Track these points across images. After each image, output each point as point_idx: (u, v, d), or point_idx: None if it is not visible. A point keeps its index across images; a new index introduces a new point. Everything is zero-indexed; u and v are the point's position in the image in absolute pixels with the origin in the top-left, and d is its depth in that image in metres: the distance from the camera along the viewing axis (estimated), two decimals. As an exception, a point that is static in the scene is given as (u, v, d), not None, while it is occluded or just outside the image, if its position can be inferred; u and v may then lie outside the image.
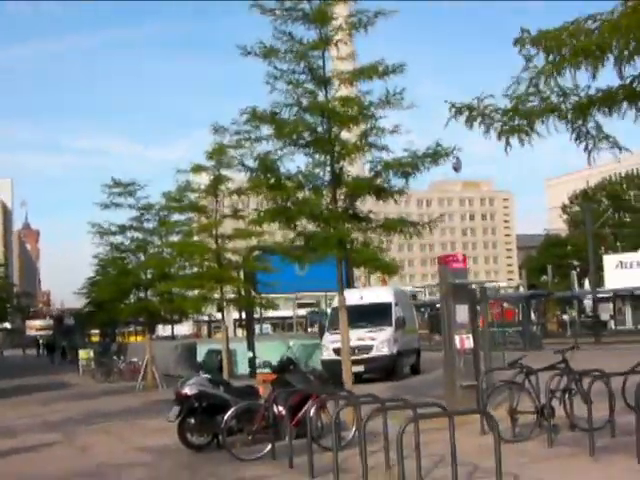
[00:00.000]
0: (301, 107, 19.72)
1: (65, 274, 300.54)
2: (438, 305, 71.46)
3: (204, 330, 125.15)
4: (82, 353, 55.86)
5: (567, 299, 79.47)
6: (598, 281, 79.10)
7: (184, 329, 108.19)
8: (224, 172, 29.01)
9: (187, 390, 16.70)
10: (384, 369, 33.26)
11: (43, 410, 29.36)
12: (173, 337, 76.36)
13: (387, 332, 34.49)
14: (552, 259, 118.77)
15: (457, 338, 20.43)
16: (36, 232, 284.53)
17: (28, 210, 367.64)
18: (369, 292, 38.97)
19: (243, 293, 31.83)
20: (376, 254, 20.07)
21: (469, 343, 20.47)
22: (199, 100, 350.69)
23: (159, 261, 35.67)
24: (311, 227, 20.43)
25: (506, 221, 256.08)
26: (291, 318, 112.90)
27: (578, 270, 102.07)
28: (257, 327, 64.93)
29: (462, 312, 20.60)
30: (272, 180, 19.70)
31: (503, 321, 67.34)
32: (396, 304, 36.08)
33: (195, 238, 30.97)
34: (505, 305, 75.06)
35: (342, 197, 20.02)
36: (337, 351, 32.58)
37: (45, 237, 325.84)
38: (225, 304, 31.10)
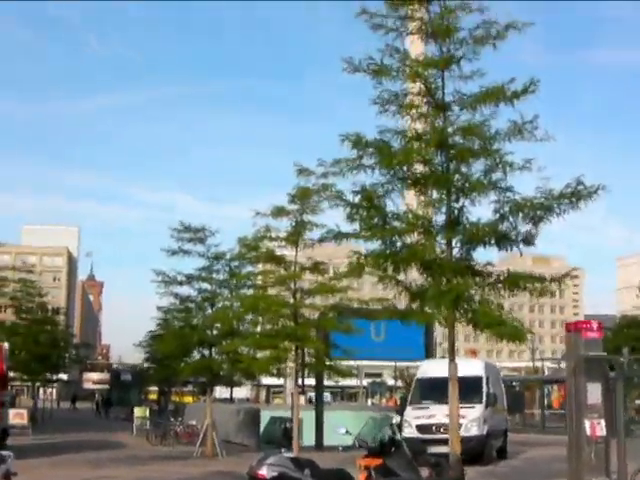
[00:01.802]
0: (414, 136, 16.46)
1: (126, 329, 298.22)
2: (514, 383, 67.96)
3: (262, 395, 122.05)
4: (137, 411, 52.74)
5: (652, 383, 74.59)
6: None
7: (242, 392, 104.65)
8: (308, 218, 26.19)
9: (265, 471, 13.16)
10: (472, 452, 29.18)
11: (91, 474, 26.00)
12: (231, 400, 72.93)
13: (477, 410, 30.61)
14: (628, 340, 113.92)
15: (587, 423, 16.79)
16: (100, 284, 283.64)
17: (93, 261, 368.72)
18: (457, 363, 35.21)
19: (317, 356, 28.52)
20: (502, 316, 16.55)
21: (601, 430, 16.81)
22: (274, 161, 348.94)
23: (228, 316, 32.48)
24: (417, 279, 17.00)
25: (575, 300, 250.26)
26: (352, 388, 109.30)
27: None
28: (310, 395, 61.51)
29: (595, 391, 16.99)
30: (376, 219, 16.33)
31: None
32: (487, 379, 32.23)
33: (270, 292, 27.79)
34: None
35: (458, 244, 16.63)
36: (421, 428, 29.20)
37: (109, 290, 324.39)
38: (299, 368, 27.79)
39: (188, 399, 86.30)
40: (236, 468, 27.97)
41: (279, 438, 40.92)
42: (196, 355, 36.61)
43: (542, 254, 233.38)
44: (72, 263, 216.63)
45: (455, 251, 16.65)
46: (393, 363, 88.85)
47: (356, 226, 16.90)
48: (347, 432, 15.07)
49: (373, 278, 30.87)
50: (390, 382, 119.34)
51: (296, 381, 28.43)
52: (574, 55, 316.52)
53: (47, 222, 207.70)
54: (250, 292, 31.09)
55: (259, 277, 29.89)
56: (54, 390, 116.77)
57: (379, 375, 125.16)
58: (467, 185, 16.27)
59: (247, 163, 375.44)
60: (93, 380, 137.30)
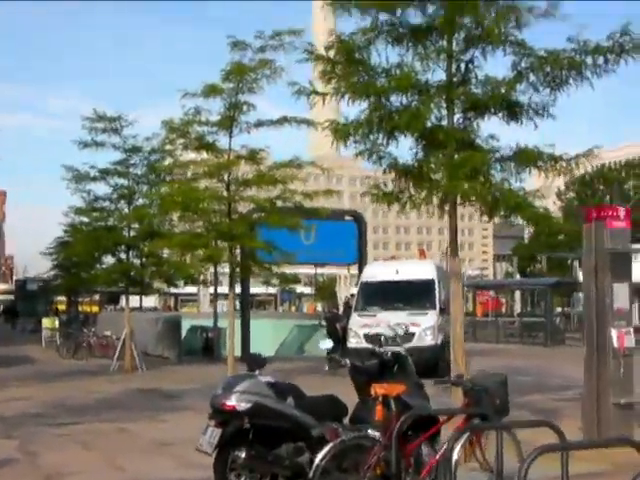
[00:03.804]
0: None
1: (31, 239, 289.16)
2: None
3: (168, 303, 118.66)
4: (46, 322, 49.42)
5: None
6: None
7: (149, 301, 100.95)
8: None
9: (235, 402, 9.57)
10: (426, 363, 26.26)
11: (-4, 395, 22.57)
12: (141, 309, 69.41)
13: (431, 317, 27.74)
14: (543, 248, 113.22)
15: (614, 333, 13.69)
16: (2, 193, 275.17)
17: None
18: (406, 266, 32.42)
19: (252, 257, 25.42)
20: (527, 197, 13.56)
21: (630, 340, 13.75)
22: (191, 71, 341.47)
23: (149, 214, 29.16)
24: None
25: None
26: (259, 295, 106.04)
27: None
28: (224, 303, 58.37)
29: (622, 293, 13.86)
30: (357, 77, 12.95)
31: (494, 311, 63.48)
32: (439, 282, 29.28)
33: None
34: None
35: (459, 112, 13.44)
36: (369, 338, 26.18)
37: (11, 200, 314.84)
38: (234, 270, 24.73)
39: (95, 309, 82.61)
40: (159, 384, 25.31)
41: (199, 349, 38.20)
42: (110, 261, 33.67)
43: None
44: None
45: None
46: (312, 271, 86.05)
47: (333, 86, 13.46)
48: (339, 343, 11.82)
49: (316, 171, 28.14)
50: (299, 290, 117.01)
51: (231, 285, 25.18)
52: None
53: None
54: (174, 187, 27.59)
55: (188, 167, 26.30)
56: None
57: (298, 282, 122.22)
58: (479, 32, 12.89)
59: (161, 72, 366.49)
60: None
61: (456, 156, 12.97)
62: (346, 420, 10.10)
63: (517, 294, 69.60)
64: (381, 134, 13.20)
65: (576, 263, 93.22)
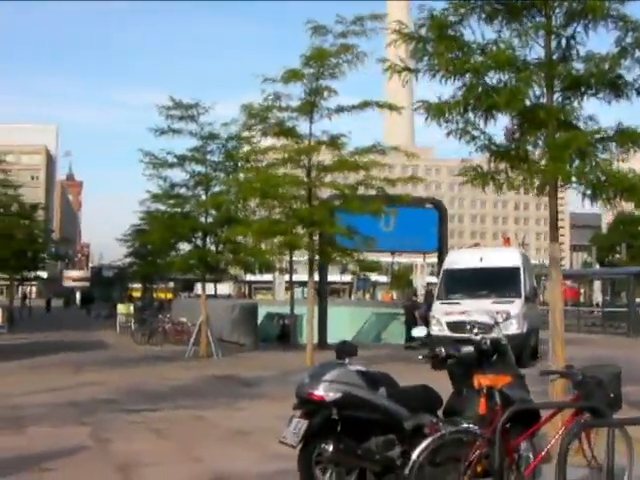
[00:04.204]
0: None
1: (106, 229, 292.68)
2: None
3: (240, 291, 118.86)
4: (121, 308, 49.70)
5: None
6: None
7: (223, 289, 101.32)
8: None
9: (323, 392, 8.92)
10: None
11: (69, 381, 22.20)
12: (215, 296, 69.48)
13: (517, 305, 26.90)
14: (624, 237, 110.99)
15: None
16: (79, 183, 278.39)
17: (72, 161, 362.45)
18: (490, 253, 31.81)
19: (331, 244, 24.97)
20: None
21: None
22: (261, 62, 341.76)
23: (227, 200, 28.86)
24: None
25: (561, 198, 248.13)
26: (334, 283, 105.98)
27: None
28: (298, 291, 58.18)
29: None
30: (450, 54, 12.25)
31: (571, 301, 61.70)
32: (524, 270, 28.55)
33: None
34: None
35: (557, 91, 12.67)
36: (452, 326, 25.51)
37: (88, 190, 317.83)
38: (314, 257, 24.29)
39: (169, 296, 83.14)
40: (236, 371, 24.87)
41: (275, 336, 37.91)
42: (185, 248, 33.70)
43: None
44: (50, 162, 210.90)
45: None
46: (388, 259, 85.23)
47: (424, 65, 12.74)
48: (428, 334, 11.15)
49: (392, 161, 27.45)
50: (374, 278, 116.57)
51: (310, 272, 24.77)
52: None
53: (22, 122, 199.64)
54: (249, 175, 27.23)
55: (266, 154, 25.89)
56: (34, 288, 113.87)
57: (379, 269, 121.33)
58: (580, 7, 12.10)
59: (233, 64, 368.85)
60: (73, 277, 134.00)
61: (557, 136, 12.21)
62: (439, 412, 9.52)
63: (596, 284, 68.42)
64: (477, 113, 12.49)
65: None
